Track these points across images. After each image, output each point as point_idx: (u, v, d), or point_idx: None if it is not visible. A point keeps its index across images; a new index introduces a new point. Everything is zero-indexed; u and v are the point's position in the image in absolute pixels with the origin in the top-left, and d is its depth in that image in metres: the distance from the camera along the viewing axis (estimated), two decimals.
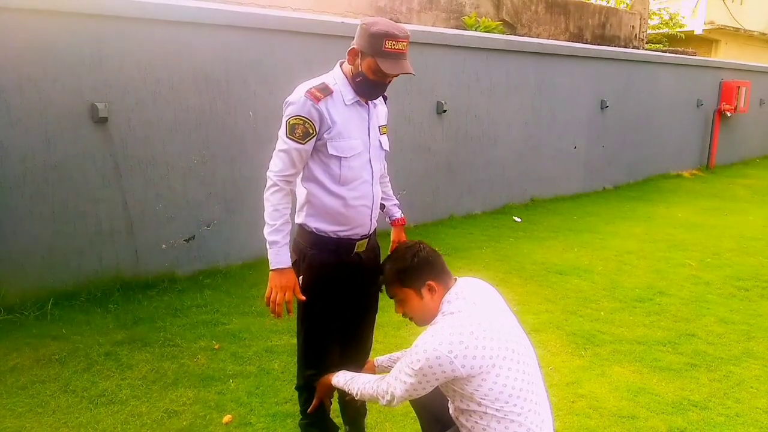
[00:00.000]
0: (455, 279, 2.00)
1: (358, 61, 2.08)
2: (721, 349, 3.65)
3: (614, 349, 3.62)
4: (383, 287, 2.04)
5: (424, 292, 1.94)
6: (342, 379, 2.14)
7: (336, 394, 2.48)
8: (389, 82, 2.15)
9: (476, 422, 1.86)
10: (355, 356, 2.45)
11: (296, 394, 2.52)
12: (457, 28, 8.25)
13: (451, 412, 1.98)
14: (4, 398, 2.94)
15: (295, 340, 3.37)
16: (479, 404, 1.83)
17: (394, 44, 2.02)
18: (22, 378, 3.12)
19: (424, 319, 1.98)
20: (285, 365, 3.30)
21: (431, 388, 1.86)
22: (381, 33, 2.01)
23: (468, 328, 1.81)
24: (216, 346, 3.53)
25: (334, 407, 2.55)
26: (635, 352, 3.59)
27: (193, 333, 3.69)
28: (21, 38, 3.76)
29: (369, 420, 2.69)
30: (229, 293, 4.33)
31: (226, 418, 2.81)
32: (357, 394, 2.07)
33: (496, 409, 1.81)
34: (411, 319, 2.02)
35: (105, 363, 3.29)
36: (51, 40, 3.86)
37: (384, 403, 1.97)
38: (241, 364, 3.32)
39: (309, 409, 2.31)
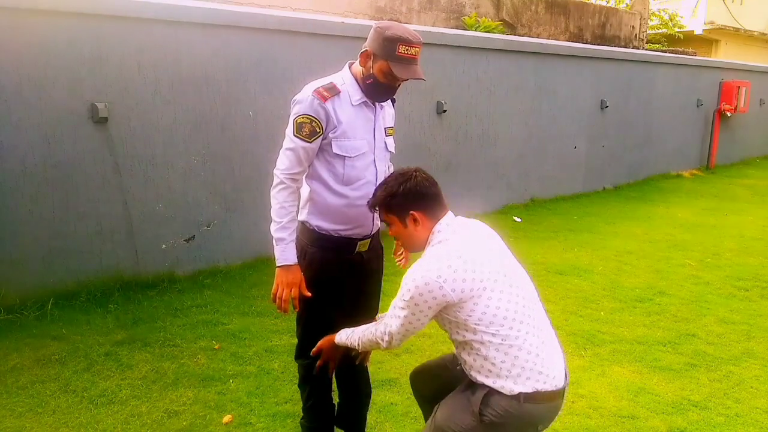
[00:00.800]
0: (447, 212, 1.99)
1: (370, 63, 2.10)
2: (721, 349, 3.65)
3: (614, 349, 3.62)
4: (373, 208, 2.07)
5: (409, 221, 1.95)
6: (344, 335, 2.13)
7: (336, 397, 2.48)
8: (399, 85, 2.16)
9: (477, 354, 1.84)
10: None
11: (296, 394, 2.53)
12: (457, 28, 8.25)
13: (455, 350, 1.97)
14: (4, 398, 2.94)
15: (294, 341, 3.38)
16: (474, 332, 1.81)
17: (407, 49, 2.04)
18: (22, 378, 3.12)
19: (411, 247, 2.02)
20: (285, 365, 3.30)
21: (427, 320, 1.85)
22: (395, 37, 2.03)
23: (456, 253, 1.81)
24: (216, 346, 3.53)
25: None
26: (635, 352, 3.59)
27: (193, 333, 3.69)
28: (21, 38, 3.76)
29: (369, 420, 2.68)
30: (229, 293, 4.33)
31: (226, 418, 2.81)
32: (359, 344, 2.06)
33: (492, 334, 1.80)
34: (401, 243, 2.05)
35: (105, 363, 3.29)
36: (51, 40, 3.86)
37: (384, 346, 1.96)
38: (241, 364, 3.32)
39: (315, 371, 2.26)
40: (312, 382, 2.40)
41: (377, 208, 2.04)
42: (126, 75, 4.17)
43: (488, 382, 1.84)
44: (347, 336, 2.12)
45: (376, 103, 2.22)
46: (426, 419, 2.29)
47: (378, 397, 2.90)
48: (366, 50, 2.12)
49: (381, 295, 2.49)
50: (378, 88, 2.14)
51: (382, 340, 1.95)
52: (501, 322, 1.80)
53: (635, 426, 2.83)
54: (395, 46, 2.03)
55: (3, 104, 3.75)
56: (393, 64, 2.04)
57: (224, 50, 4.60)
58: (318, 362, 2.25)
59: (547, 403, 1.85)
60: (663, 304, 4.36)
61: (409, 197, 1.94)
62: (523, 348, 1.82)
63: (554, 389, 1.85)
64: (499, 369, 1.82)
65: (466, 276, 1.78)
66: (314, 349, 2.22)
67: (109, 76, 4.10)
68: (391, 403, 2.95)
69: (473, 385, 1.90)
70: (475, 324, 1.80)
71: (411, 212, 1.94)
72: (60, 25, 3.88)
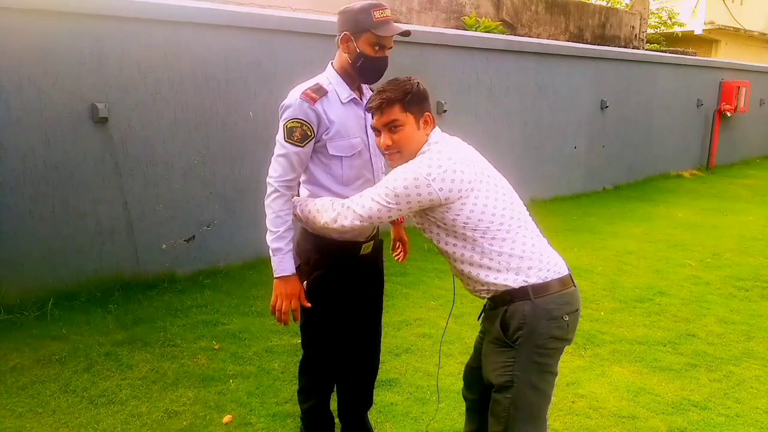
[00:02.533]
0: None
1: (353, 44, 2.09)
2: (721, 349, 3.65)
3: (614, 349, 3.62)
4: (380, 108, 1.92)
5: (422, 122, 1.94)
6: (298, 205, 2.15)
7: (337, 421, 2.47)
8: (388, 54, 2.15)
9: (469, 264, 1.87)
10: (364, 358, 2.43)
11: (297, 394, 2.52)
12: (457, 28, 8.25)
13: (451, 267, 1.98)
14: (4, 398, 2.94)
15: (294, 341, 3.38)
16: (464, 237, 1.84)
17: (381, 13, 2.08)
18: (22, 378, 3.12)
19: (411, 152, 1.94)
20: (285, 365, 3.30)
21: (398, 215, 1.89)
22: (366, 6, 2.07)
23: (446, 154, 1.85)
24: (216, 346, 3.53)
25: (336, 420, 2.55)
26: (635, 352, 3.59)
27: (193, 333, 3.69)
28: (21, 38, 3.76)
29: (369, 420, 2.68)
30: (229, 293, 4.33)
31: (226, 418, 2.81)
32: (307, 211, 2.07)
33: (483, 231, 1.82)
34: (395, 153, 1.94)
35: (105, 363, 3.29)
36: (51, 40, 3.86)
37: (331, 217, 1.95)
38: (241, 364, 3.32)
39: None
40: (313, 394, 2.39)
41: (384, 108, 1.90)
42: (126, 75, 4.17)
43: (490, 279, 1.86)
44: (301, 206, 2.12)
45: (365, 99, 2.21)
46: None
47: (378, 397, 2.89)
48: (344, 34, 2.10)
49: (384, 296, 2.49)
50: (371, 65, 2.11)
51: (338, 213, 1.94)
52: (490, 219, 1.83)
53: (635, 426, 2.83)
54: (370, 13, 2.05)
55: (3, 104, 3.75)
56: (376, 30, 2.05)
57: (224, 50, 4.60)
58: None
59: (558, 291, 1.86)
60: (663, 304, 4.36)
61: (424, 96, 1.95)
62: (516, 240, 1.85)
63: (559, 276, 1.88)
64: (498, 263, 1.84)
65: (455, 177, 1.80)
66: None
67: (109, 76, 4.10)
68: (391, 403, 2.95)
69: (490, 328, 1.91)
70: (464, 223, 1.82)
71: (426, 113, 1.95)
72: (60, 25, 3.88)
